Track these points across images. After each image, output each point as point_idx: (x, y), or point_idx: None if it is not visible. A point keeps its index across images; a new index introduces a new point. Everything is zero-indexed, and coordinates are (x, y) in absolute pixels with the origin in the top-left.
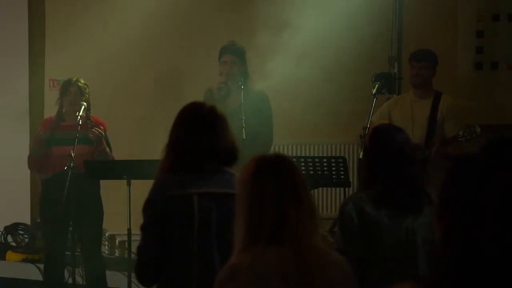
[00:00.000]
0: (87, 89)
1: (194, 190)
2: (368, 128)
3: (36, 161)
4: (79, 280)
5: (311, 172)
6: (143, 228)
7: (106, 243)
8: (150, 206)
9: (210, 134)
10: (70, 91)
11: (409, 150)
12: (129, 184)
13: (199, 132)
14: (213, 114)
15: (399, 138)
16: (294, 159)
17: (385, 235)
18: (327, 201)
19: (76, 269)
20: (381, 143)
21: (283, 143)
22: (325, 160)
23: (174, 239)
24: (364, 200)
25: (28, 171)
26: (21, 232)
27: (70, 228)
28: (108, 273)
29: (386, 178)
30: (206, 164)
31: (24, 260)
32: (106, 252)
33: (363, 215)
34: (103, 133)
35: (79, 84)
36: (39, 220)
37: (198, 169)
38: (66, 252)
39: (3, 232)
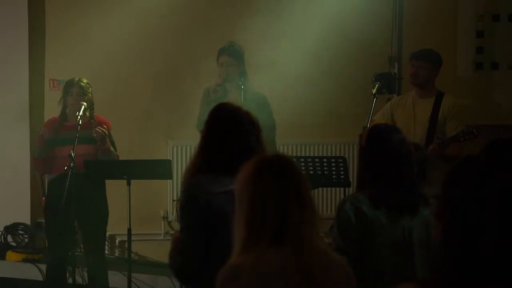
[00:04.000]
0: (90, 89)
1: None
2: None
3: (41, 162)
4: (79, 280)
5: (311, 172)
6: (183, 229)
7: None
8: (187, 206)
9: (244, 137)
10: (72, 91)
11: (405, 150)
12: (129, 184)
13: (235, 135)
14: (248, 117)
15: (395, 138)
16: (294, 159)
17: (382, 235)
18: (327, 201)
19: (77, 269)
20: (377, 143)
21: (283, 143)
22: (325, 160)
23: (215, 236)
24: (361, 200)
25: (28, 171)
26: (21, 232)
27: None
28: (108, 273)
29: (383, 178)
30: (238, 166)
31: (24, 260)
32: (107, 252)
33: (360, 215)
34: (106, 132)
35: (81, 84)
36: (42, 220)
37: (231, 170)
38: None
39: (3, 232)
